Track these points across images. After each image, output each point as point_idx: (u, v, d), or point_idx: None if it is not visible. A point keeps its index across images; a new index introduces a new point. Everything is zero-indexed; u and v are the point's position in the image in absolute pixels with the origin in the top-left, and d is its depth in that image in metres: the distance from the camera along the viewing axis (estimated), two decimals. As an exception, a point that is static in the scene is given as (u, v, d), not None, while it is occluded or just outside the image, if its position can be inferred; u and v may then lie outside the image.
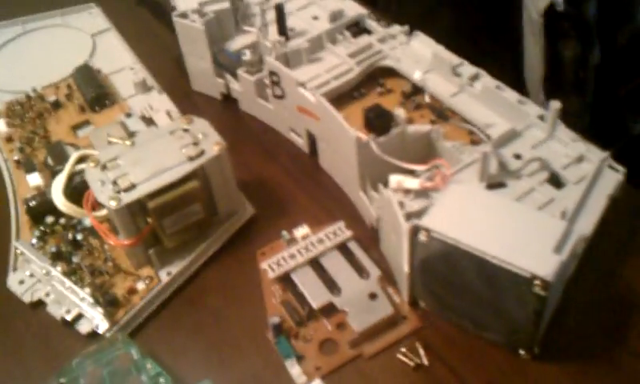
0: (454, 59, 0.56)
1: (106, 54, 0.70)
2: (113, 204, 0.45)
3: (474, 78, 0.54)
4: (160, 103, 0.63)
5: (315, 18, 0.63)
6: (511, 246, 0.40)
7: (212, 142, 0.48)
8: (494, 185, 0.46)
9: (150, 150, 0.48)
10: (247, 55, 0.59)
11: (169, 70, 0.69)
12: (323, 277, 0.47)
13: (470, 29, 0.99)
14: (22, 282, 0.50)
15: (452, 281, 0.43)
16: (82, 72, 0.66)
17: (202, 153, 0.48)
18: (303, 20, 0.62)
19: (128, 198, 0.45)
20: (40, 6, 0.77)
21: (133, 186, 0.46)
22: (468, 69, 0.55)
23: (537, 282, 0.38)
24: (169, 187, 0.46)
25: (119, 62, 0.69)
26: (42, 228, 0.52)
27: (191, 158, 0.47)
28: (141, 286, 0.48)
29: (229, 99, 0.65)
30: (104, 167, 0.47)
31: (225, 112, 0.64)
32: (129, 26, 0.74)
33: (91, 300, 0.47)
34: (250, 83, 0.60)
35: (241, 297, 0.49)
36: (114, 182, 0.46)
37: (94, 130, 0.59)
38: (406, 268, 0.44)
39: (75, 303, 0.47)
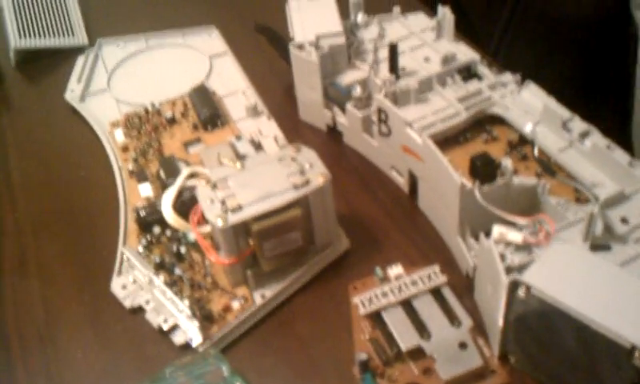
0: (565, 113, 0.55)
1: (221, 76, 0.73)
2: (220, 222, 0.46)
3: (585, 134, 0.53)
4: (268, 128, 0.65)
5: (427, 59, 0.63)
6: (612, 312, 0.38)
7: (318, 173, 0.50)
8: (599, 247, 0.45)
9: (259, 174, 0.50)
10: (357, 91, 0.61)
11: (278, 97, 0.71)
12: (414, 319, 0.47)
13: (581, 79, 0.98)
14: (124, 287, 0.52)
15: (546, 340, 0.42)
16: (198, 92, 0.69)
17: (307, 182, 0.49)
18: (414, 60, 0.63)
19: (235, 218, 0.47)
20: (164, 24, 0.81)
21: (240, 208, 0.47)
22: (578, 124, 0.54)
23: (637, 353, 0.37)
24: (273, 212, 0.48)
25: (233, 85, 0.71)
26: (148, 237, 0.55)
27: (297, 187, 0.48)
28: (236, 304, 0.50)
29: (333, 131, 0.66)
30: (214, 186, 0.49)
31: (328, 143, 0.65)
32: (245, 51, 0.77)
33: (189, 312, 0.49)
34: (357, 118, 0.61)
35: (329, 328, 0.49)
36: (223, 202, 0.48)
37: (205, 149, 0.61)
38: (500, 321, 0.44)
39: (173, 314, 0.49)
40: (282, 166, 0.50)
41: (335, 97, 0.64)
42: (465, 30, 0.69)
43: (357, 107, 0.61)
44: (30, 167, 0.67)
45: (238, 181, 0.50)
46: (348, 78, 0.64)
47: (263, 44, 0.75)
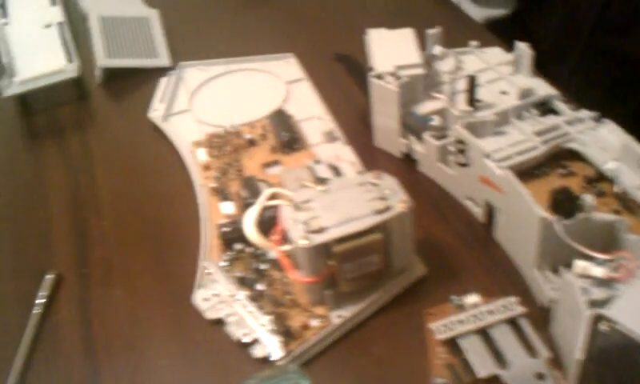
0: (644, 152, 0.55)
1: (298, 102, 0.75)
2: (303, 243, 0.48)
3: (663, 173, 0.54)
4: (344, 154, 0.67)
5: (504, 92, 0.64)
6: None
7: (398, 200, 0.51)
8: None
9: (341, 198, 0.52)
10: (435, 121, 0.62)
11: (352, 124, 0.73)
12: (490, 348, 0.48)
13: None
14: (206, 300, 0.54)
15: (627, 375, 0.42)
16: (277, 116, 0.71)
17: (388, 208, 0.50)
18: (492, 93, 0.64)
19: (318, 239, 0.48)
20: (243, 51, 0.84)
21: (323, 230, 0.49)
22: (657, 163, 0.54)
23: None
24: (354, 235, 0.49)
25: (309, 111, 0.73)
26: (230, 253, 0.57)
27: (378, 212, 0.50)
28: (314, 323, 0.51)
29: (408, 159, 0.67)
30: (298, 207, 0.51)
31: (403, 170, 0.67)
32: (320, 78, 0.79)
33: (269, 327, 0.50)
34: (434, 147, 0.62)
35: (405, 352, 0.50)
36: (306, 223, 0.49)
37: (284, 170, 0.63)
38: (578, 355, 0.44)
39: (253, 328, 0.51)
40: (363, 191, 0.52)
41: (412, 126, 0.65)
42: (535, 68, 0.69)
43: (434, 137, 0.62)
44: (114, 181, 0.70)
45: (320, 203, 0.51)
46: (425, 107, 0.65)
47: (338, 72, 0.77)
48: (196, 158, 0.68)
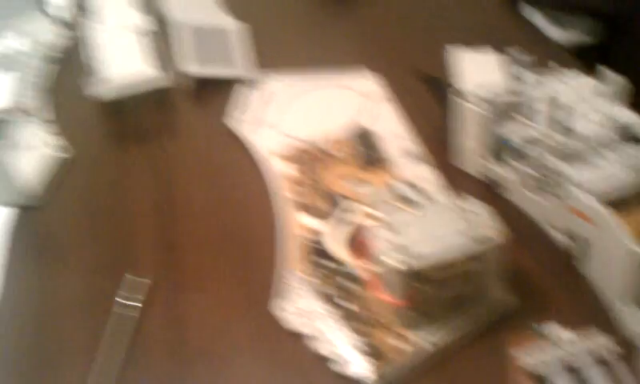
0: None
1: (377, 118, 0.76)
2: (397, 265, 0.49)
3: None
4: (424, 173, 0.68)
5: (596, 123, 0.64)
6: None
7: (493, 229, 0.51)
8: None
9: (434, 222, 0.52)
10: (520, 145, 0.62)
11: (431, 142, 0.73)
12: (578, 381, 0.48)
13: None
14: (289, 312, 0.55)
15: None
16: (360, 133, 0.72)
17: (484, 237, 0.51)
18: (584, 122, 0.63)
19: (413, 264, 0.49)
20: (322, 63, 0.85)
21: (417, 254, 0.49)
22: None
23: None
24: (448, 262, 0.50)
25: (389, 128, 0.74)
26: (315, 267, 0.58)
27: (474, 240, 0.50)
28: (403, 346, 0.52)
29: (488, 181, 0.67)
30: (390, 229, 0.52)
31: (483, 192, 0.66)
32: (400, 94, 0.79)
33: (353, 344, 0.51)
34: (519, 173, 0.62)
35: (493, 381, 0.51)
36: (399, 245, 0.50)
37: (368, 188, 0.64)
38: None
39: (336, 343, 0.52)
40: (456, 217, 0.52)
41: (497, 149, 0.65)
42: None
43: (519, 162, 0.62)
44: (194, 187, 0.72)
45: (414, 226, 0.52)
46: (512, 132, 0.65)
47: (416, 88, 0.78)
48: (275, 169, 0.69)
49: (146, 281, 0.61)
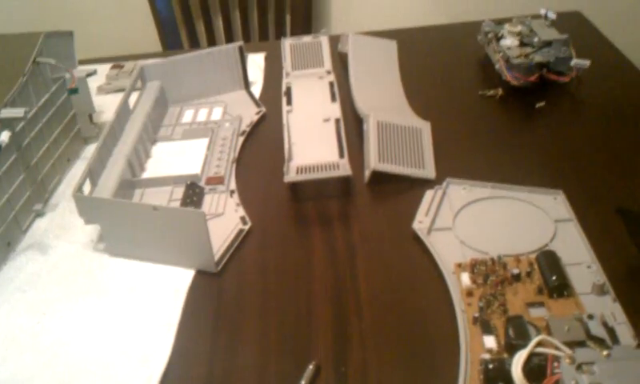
0: None
1: (566, 243, 0.73)
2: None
3: None
4: (615, 311, 0.63)
5: None
6: None
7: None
8: None
9: (626, 370, 0.49)
10: None
11: (623, 279, 0.69)
12: None
13: None
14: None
15: None
16: (545, 255, 0.69)
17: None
18: None
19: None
20: (508, 178, 0.84)
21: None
22: None
23: None
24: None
25: (578, 256, 0.71)
26: (493, 392, 0.56)
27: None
28: None
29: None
30: (579, 367, 0.49)
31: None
32: (591, 222, 0.76)
33: None
34: None
35: None
36: (588, 388, 0.47)
37: (555, 319, 0.61)
38: None
39: None
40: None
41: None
42: None
43: None
44: (374, 282, 0.73)
45: (603, 370, 0.49)
46: None
47: (609, 218, 0.74)
48: (458, 281, 0.68)
49: (324, 371, 0.62)
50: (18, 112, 0.81)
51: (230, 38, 1.96)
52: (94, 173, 0.83)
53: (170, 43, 1.94)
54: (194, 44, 1.96)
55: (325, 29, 1.93)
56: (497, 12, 1.31)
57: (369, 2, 2.00)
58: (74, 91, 0.94)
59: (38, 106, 0.89)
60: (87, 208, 0.77)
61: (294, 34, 1.92)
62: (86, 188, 0.80)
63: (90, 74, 0.99)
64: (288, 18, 1.93)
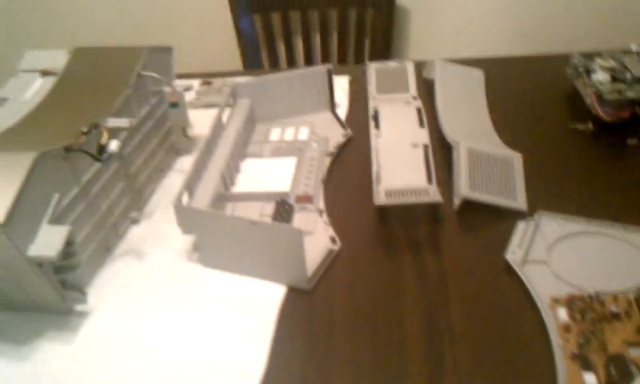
0: None
1: (665, 285, 0.71)
2: None
3: None
4: None
5: None
6: None
7: None
8: None
9: None
10: None
11: None
12: None
13: None
14: None
15: None
16: (644, 295, 0.68)
17: None
18: None
19: None
20: (602, 213, 0.83)
21: None
22: None
23: None
24: None
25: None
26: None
27: None
28: None
29: None
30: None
31: None
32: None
33: None
34: None
35: None
36: None
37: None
38: None
39: None
40: None
41: None
42: None
43: None
44: (467, 312, 0.72)
45: None
46: None
47: None
48: (555, 316, 0.67)
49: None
50: (123, 122, 0.84)
51: (309, 60, 1.99)
52: (191, 184, 0.85)
53: (250, 63, 1.99)
54: (274, 64, 2.00)
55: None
56: (574, 43, 1.30)
57: (448, 30, 2.01)
58: (174, 105, 0.97)
59: (139, 117, 0.93)
60: (185, 218, 0.80)
61: (372, 58, 1.94)
62: (184, 199, 0.83)
63: (187, 89, 1.02)
64: (367, 42, 1.95)
